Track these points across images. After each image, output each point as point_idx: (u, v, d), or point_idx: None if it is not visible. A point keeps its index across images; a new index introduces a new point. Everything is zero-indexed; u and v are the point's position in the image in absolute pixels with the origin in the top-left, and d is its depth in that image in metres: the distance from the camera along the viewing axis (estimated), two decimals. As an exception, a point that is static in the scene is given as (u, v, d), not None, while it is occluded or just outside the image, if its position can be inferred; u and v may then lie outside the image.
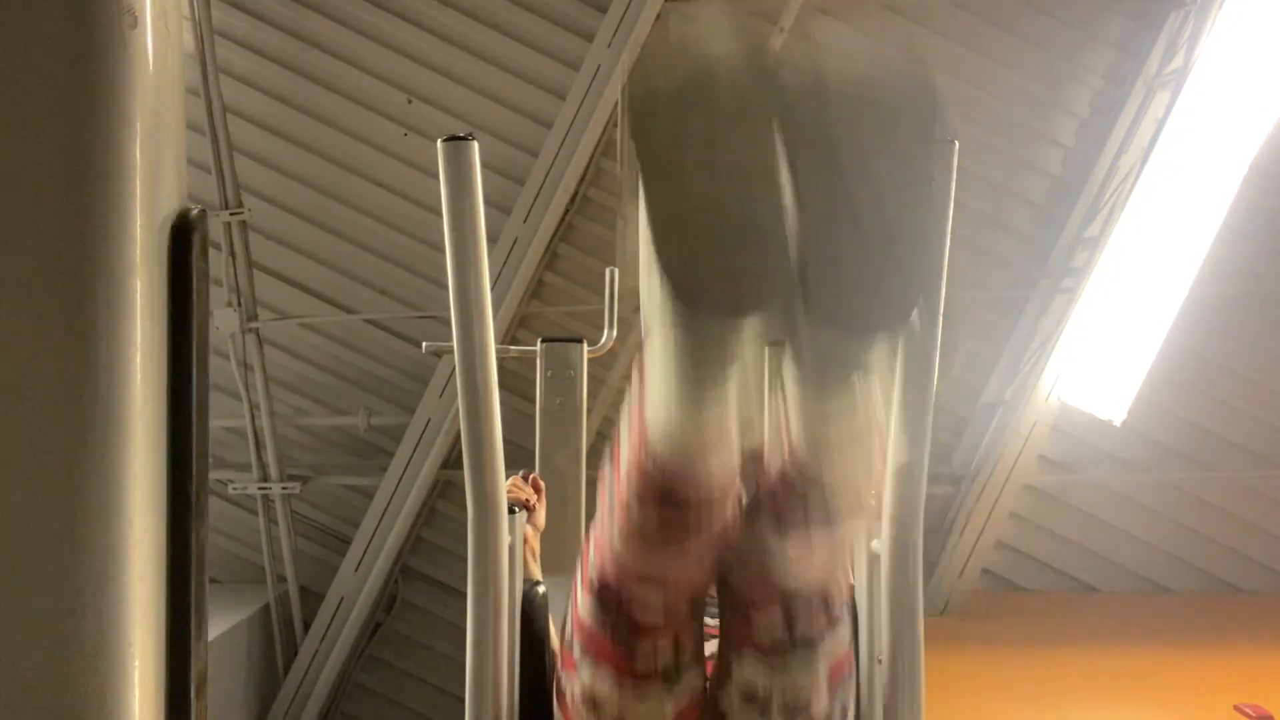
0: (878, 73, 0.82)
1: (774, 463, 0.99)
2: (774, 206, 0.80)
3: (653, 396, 0.94)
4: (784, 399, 0.95)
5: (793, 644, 1.05)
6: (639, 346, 0.95)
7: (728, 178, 0.80)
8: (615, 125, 3.71)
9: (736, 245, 0.81)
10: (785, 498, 0.98)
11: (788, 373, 0.92)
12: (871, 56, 0.84)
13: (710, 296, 0.82)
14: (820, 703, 1.07)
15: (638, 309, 0.90)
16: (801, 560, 1.03)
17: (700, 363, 0.88)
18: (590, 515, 1.13)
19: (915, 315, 0.86)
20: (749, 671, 1.07)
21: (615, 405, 3.44)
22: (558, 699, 1.17)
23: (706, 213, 0.81)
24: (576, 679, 1.11)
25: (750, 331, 0.86)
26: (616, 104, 3.57)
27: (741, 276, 0.81)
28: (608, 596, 1.07)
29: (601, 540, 1.07)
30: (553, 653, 1.31)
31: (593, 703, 1.09)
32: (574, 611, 1.13)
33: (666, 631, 1.07)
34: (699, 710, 1.10)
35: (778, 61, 0.81)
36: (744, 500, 1.05)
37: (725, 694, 1.09)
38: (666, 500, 0.97)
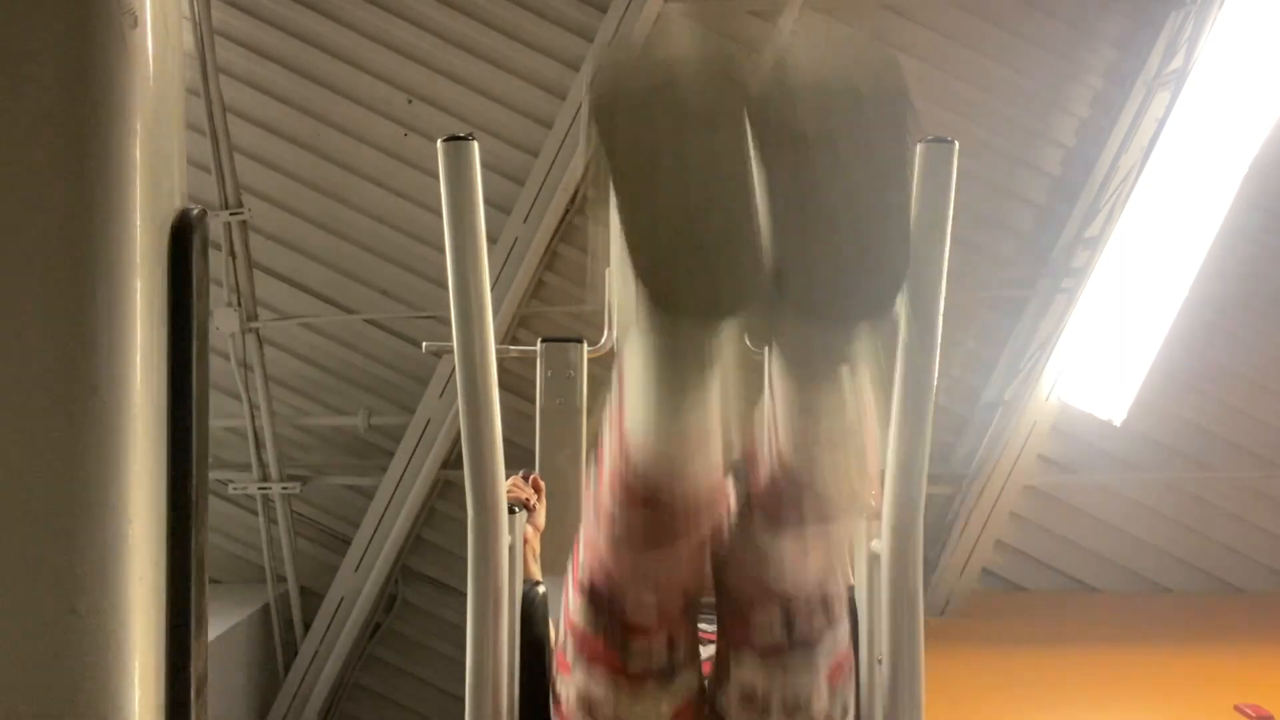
0: (843, 66, 0.82)
1: (764, 463, 0.98)
2: (745, 205, 0.80)
3: (631, 404, 0.92)
4: (773, 398, 0.94)
5: (791, 645, 1.04)
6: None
7: (698, 178, 0.80)
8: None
9: (710, 246, 0.80)
10: (776, 497, 0.97)
11: (775, 371, 0.91)
12: (837, 50, 0.84)
13: (687, 300, 0.81)
14: (820, 701, 1.06)
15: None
16: (797, 560, 1.02)
17: (679, 368, 0.87)
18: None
19: (899, 306, 0.86)
20: (748, 673, 1.06)
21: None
22: (554, 703, 1.17)
23: (679, 215, 0.80)
24: (571, 681, 1.10)
25: (730, 333, 0.85)
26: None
27: (717, 278, 0.81)
28: (598, 598, 1.06)
29: (590, 543, 1.06)
30: (552, 652, 1.31)
31: (588, 705, 1.08)
32: (566, 613, 1.12)
33: (660, 631, 1.05)
34: (696, 710, 1.09)
35: (741, 61, 0.81)
36: (734, 502, 1.03)
37: (724, 694, 1.08)
38: (650, 505, 0.95)
